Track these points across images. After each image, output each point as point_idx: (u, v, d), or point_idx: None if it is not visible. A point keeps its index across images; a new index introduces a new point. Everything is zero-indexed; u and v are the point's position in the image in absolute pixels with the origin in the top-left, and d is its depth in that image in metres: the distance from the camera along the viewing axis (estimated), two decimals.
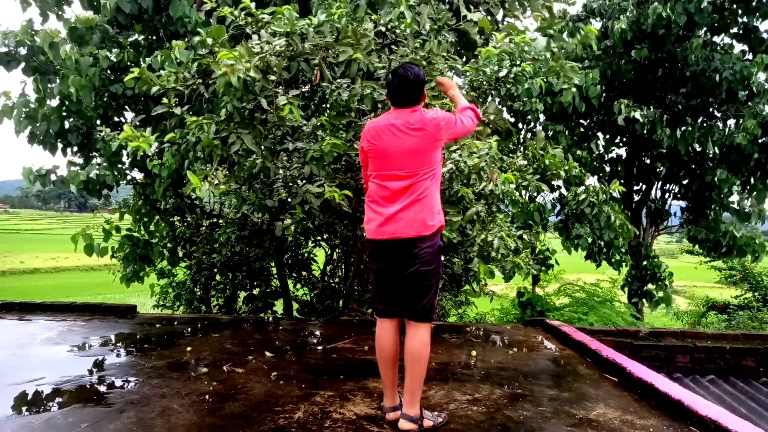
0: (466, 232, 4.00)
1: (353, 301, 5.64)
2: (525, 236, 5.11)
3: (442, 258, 2.71)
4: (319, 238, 6.36)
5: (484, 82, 4.35)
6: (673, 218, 12.65)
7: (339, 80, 3.82)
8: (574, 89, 5.89)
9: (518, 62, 4.37)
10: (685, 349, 4.97)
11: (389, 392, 2.70)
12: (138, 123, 6.30)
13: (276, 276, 6.45)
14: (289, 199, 4.03)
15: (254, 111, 3.72)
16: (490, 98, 4.55)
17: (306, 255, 6.55)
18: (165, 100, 3.95)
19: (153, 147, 6.33)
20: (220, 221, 6.63)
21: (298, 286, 6.54)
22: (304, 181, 3.83)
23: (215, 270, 6.18)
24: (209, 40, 4.09)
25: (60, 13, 6.37)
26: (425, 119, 2.65)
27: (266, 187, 4.27)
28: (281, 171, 3.96)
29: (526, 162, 4.85)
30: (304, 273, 6.42)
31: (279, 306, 6.57)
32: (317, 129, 3.81)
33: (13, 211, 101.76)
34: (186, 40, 5.33)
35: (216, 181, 3.61)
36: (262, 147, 3.71)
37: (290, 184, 3.96)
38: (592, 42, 5.50)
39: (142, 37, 6.04)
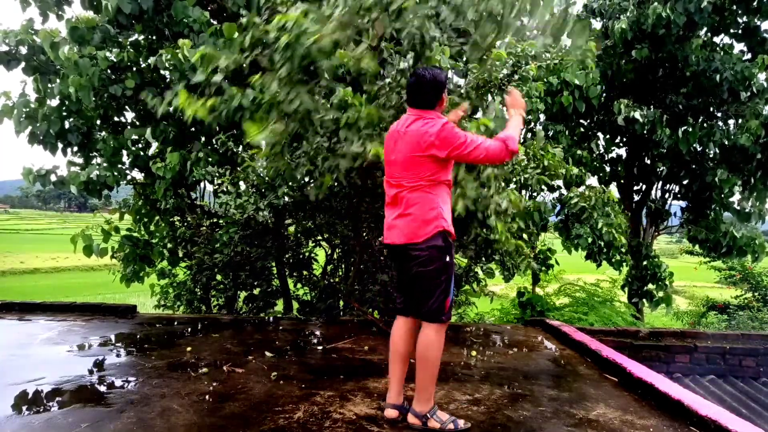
0: (483, 194, 4.15)
1: (354, 300, 5.64)
2: (525, 236, 5.19)
3: (448, 258, 2.59)
4: (319, 237, 6.36)
5: (489, 83, 4.40)
6: (673, 218, 12.65)
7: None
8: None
9: (524, 63, 4.43)
10: (685, 349, 4.98)
11: (394, 388, 2.70)
12: (138, 123, 6.32)
13: (276, 276, 6.45)
14: (318, 169, 4.17)
15: (308, 68, 3.91)
16: (490, 98, 4.57)
17: (307, 254, 6.55)
18: (204, 69, 4.09)
19: (153, 147, 6.37)
20: (221, 221, 6.64)
21: (299, 285, 6.54)
22: (340, 144, 3.98)
23: (216, 270, 6.18)
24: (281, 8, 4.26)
25: (60, 13, 6.38)
26: (420, 129, 2.56)
27: (296, 159, 4.39)
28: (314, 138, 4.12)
29: (525, 158, 4.90)
30: (305, 272, 6.42)
31: (279, 306, 6.57)
32: (344, 101, 3.92)
33: (13, 211, 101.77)
34: (191, 39, 5.35)
35: (277, 130, 3.73)
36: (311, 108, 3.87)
37: (320, 152, 4.11)
38: (592, 46, 5.64)
39: (142, 37, 6.05)
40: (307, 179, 4.92)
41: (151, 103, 4.57)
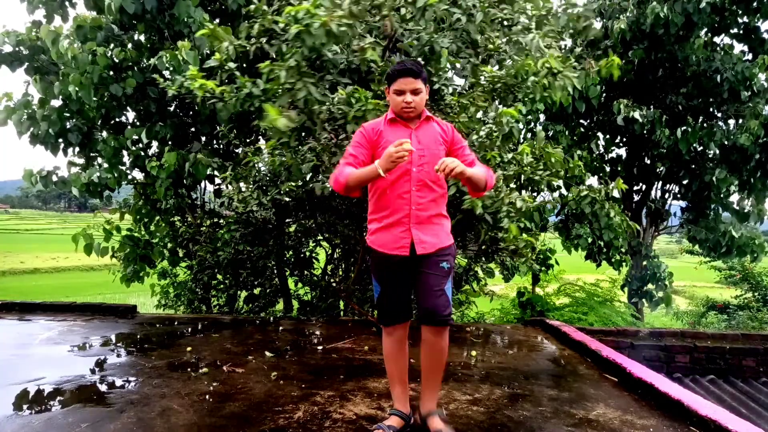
0: (498, 193, 4.32)
1: (353, 301, 5.64)
2: (525, 235, 5.20)
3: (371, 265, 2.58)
4: (320, 237, 6.36)
5: (499, 86, 4.46)
6: (673, 218, 12.66)
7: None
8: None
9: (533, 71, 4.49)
10: (685, 349, 4.98)
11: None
12: (138, 123, 6.32)
13: (277, 275, 6.45)
14: (323, 165, 4.28)
15: (315, 61, 4.14)
16: (495, 101, 4.60)
17: (308, 253, 6.55)
18: (217, 56, 4.29)
19: (154, 147, 6.37)
20: (221, 221, 6.65)
21: (299, 285, 6.55)
22: (347, 139, 4.13)
23: (216, 270, 6.18)
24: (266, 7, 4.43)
25: (64, 14, 6.39)
26: None
27: (302, 154, 4.48)
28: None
29: (533, 159, 4.93)
30: (306, 272, 6.42)
31: (279, 306, 6.58)
32: (351, 96, 4.04)
33: (13, 211, 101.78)
34: (190, 39, 5.35)
35: (291, 118, 3.88)
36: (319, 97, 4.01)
37: (327, 148, 4.21)
38: (615, 71, 5.51)
39: (144, 37, 6.05)
40: (310, 176, 4.97)
41: (162, 84, 4.65)
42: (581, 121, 11.53)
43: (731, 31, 10.86)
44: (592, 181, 11.14)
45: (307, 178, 4.76)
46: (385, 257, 2.47)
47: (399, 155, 2.21)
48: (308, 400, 2.95)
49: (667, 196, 12.38)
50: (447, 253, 2.50)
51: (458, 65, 4.72)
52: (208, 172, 5.89)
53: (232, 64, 4.31)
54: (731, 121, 10.89)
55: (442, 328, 2.42)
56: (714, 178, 10.14)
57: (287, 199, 5.28)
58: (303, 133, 4.34)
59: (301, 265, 6.39)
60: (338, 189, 2.44)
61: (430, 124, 2.56)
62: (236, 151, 6.71)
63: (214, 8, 6.20)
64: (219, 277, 6.44)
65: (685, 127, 9.98)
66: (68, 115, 6.01)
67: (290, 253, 6.33)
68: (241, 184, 5.98)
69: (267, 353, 3.87)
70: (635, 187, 12.64)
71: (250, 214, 5.86)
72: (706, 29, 10.49)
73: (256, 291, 6.48)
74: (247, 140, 6.42)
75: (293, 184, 5.12)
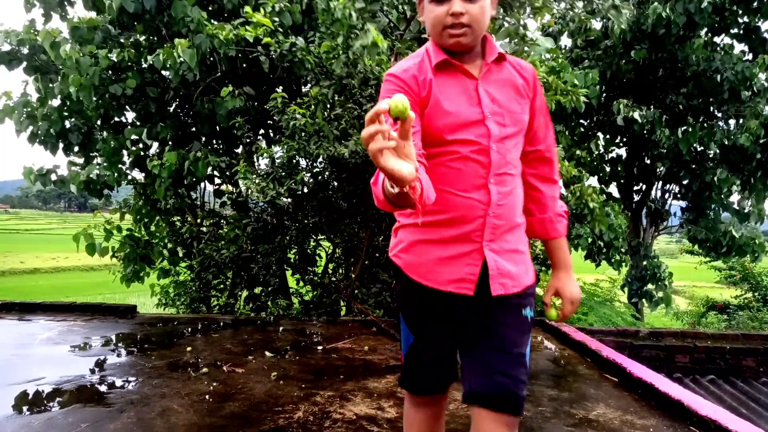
0: None
1: (356, 300, 5.63)
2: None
3: (398, 287, 1.56)
4: (321, 237, 6.35)
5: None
6: (673, 218, 12.67)
7: None
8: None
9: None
10: (685, 349, 4.98)
11: None
12: (138, 123, 6.32)
13: (278, 274, 6.44)
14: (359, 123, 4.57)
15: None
16: None
17: (310, 252, 6.54)
18: (262, 11, 4.79)
19: (154, 147, 6.37)
20: (222, 221, 6.64)
21: (300, 284, 6.54)
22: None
23: (222, 267, 6.18)
24: None
25: (63, 13, 6.39)
26: None
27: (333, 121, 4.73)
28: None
29: None
30: (309, 269, 6.41)
31: (282, 302, 6.56)
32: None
33: (13, 211, 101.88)
34: (188, 39, 5.35)
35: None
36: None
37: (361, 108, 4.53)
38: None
39: (143, 37, 6.05)
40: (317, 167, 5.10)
41: (209, 30, 5.07)
42: (581, 121, 11.54)
43: (731, 31, 10.88)
44: (592, 181, 11.14)
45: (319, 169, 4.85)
46: (428, 293, 1.43)
47: (369, 135, 0.96)
48: (308, 400, 2.95)
49: (667, 196, 12.40)
50: (531, 292, 1.54)
51: None
52: (208, 171, 5.89)
53: (276, 19, 4.73)
54: (731, 121, 10.90)
55: (514, 419, 1.38)
56: (716, 179, 10.16)
57: (300, 186, 5.32)
58: (338, 96, 4.72)
59: (304, 263, 6.38)
60: (381, 207, 1.23)
61: (503, 66, 1.46)
62: (236, 151, 6.71)
63: (214, 9, 6.19)
64: (221, 276, 6.44)
65: (685, 127, 9.99)
66: (67, 114, 6.01)
67: (294, 250, 6.31)
68: (257, 179, 5.99)
69: (267, 353, 3.87)
70: (635, 187, 12.65)
71: (266, 205, 5.87)
72: (706, 29, 10.50)
73: (257, 290, 6.46)
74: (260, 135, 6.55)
75: (305, 174, 5.20)
